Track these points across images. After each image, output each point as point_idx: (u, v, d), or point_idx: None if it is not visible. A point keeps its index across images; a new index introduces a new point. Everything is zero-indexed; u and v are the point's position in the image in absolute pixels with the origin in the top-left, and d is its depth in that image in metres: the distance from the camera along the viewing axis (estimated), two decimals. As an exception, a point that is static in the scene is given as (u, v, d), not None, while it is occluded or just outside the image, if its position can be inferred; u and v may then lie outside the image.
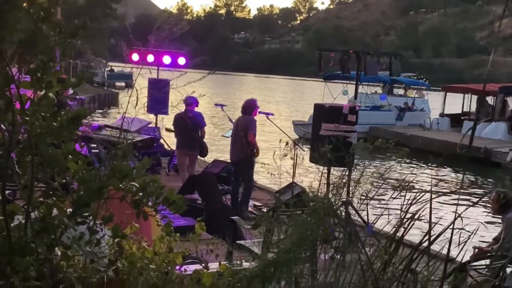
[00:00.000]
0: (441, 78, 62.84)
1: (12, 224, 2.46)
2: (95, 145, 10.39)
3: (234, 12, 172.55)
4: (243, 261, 3.33)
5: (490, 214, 8.57)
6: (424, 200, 3.48)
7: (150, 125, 12.63)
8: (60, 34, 2.44)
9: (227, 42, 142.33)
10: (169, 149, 13.17)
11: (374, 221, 3.83)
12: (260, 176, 11.55)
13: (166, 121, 12.24)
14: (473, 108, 28.51)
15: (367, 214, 3.70)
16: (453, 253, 3.23)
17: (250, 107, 9.86)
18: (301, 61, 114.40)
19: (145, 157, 2.79)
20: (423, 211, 3.42)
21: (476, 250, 6.78)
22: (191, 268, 3.01)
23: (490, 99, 26.42)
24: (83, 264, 2.57)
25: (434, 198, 3.41)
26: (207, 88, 39.05)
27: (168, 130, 11.51)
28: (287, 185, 8.69)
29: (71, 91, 8.24)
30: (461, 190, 10.34)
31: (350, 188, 4.06)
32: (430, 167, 16.10)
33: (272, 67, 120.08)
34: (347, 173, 3.94)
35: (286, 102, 50.48)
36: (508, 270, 5.47)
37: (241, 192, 9.83)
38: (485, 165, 19.44)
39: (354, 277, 3.36)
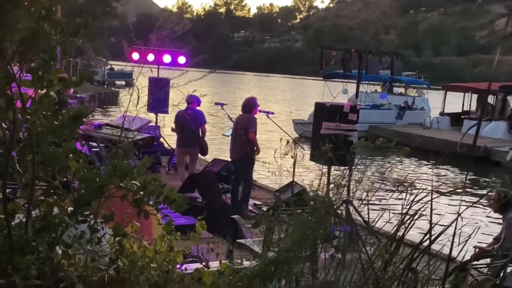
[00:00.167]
0: (441, 77, 62.84)
1: (13, 223, 2.46)
2: (95, 144, 10.40)
3: (234, 11, 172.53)
4: (244, 260, 3.33)
5: (490, 214, 8.57)
6: (425, 199, 3.48)
7: (150, 124, 12.64)
8: (61, 33, 2.44)
9: (227, 41, 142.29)
10: (169, 147, 13.19)
11: (375, 220, 3.82)
12: (260, 175, 11.56)
13: (167, 120, 12.23)
14: (473, 107, 28.52)
15: (368, 213, 3.69)
16: (454, 252, 3.22)
17: (250, 106, 9.85)
18: (300, 60, 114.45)
19: (145, 156, 2.79)
20: (423, 210, 3.41)
21: (477, 249, 6.79)
22: (192, 267, 3.01)
23: (490, 98, 26.41)
24: (84, 263, 2.56)
25: (435, 198, 3.41)
26: (207, 87, 39.08)
27: (173, 130, 11.53)
28: (287, 184, 8.70)
29: (72, 90, 8.24)
30: (464, 190, 10.32)
31: (351, 187, 4.05)
32: (431, 167, 16.11)
33: (272, 66, 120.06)
34: (347, 172, 3.94)
35: (286, 101, 50.46)
36: (509, 269, 5.48)
37: (241, 191, 9.84)
38: (485, 164, 19.43)
39: (354, 276, 3.36)
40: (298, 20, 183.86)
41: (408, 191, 3.64)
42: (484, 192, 14.92)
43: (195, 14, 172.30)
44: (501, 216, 7.32)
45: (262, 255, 3.24)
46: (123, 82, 51.26)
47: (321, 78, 27.50)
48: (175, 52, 13.17)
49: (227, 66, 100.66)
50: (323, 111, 7.18)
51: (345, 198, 3.97)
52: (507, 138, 24.05)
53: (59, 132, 2.46)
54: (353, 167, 3.99)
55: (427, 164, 17.59)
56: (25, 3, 2.35)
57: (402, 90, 35.30)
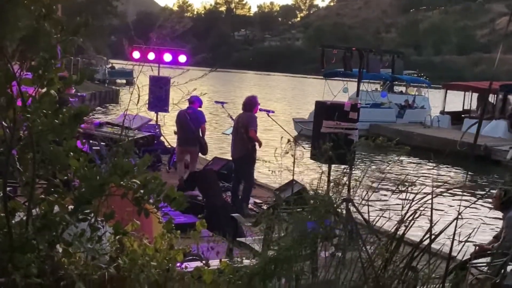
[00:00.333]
0: (442, 75, 62.88)
1: (13, 221, 2.46)
2: (96, 142, 10.42)
3: (234, 10, 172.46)
4: (244, 258, 3.33)
5: (490, 212, 8.57)
6: (425, 198, 3.48)
7: (150, 123, 12.65)
8: (62, 32, 2.44)
9: (227, 39, 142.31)
10: (169, 146, 13.20)
11: (375, 219, 3.82)
12: (261, 174, 11.56)
13: (168, 118, 12.24)
14: (474, 106, 28.51)
15: (368, 212, 3.69)
16: (454, 251, 3.23)
17: (250, 104, 9.85)
18: (301, 58, 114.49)
19: (146, 154, 2.79)
20: (424, 209, 3.41)
21: (477, 248, 6.79)
22: (192, 265, 3.01)
23: (490, 97, 26.41)
24: (84, 261, 2.57)
25: (435, 196, 3.41)
26: (207, 85, 39.06)
27: (176, 133, 11.52)
28: (287, 183, 8.69)
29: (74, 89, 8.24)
30: (464, 188, 10.32)
31: (351, 185, 4.05)
32: (431, 166, 16.11)
33: (272, 64, 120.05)
34: (348, 171, 3.94)
35: (286, 100, 50.45)
36: (509, 268, 5.48)
37: (241, 189, 9.84)
38: (485, 163, 19.44)
39: (354, 275, 3.36)
40: (298, 19, 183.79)
41: (408, 190, 3.64)
42: (484, 191, 14.92)
43: (195, 12, 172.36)
44: (501, 214, 7.32)
45: (262, 253, 3.25)
46: (124, 81, 51.31)
47: (322, 77, 27.49)
48: (176, 50, 13.18)
49: (227, 65, 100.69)
50: (323, 110, 7.18)
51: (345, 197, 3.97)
52: (508, 137, 24.05)
53: (59, 130, 2.46)
54: (353, 166, 3.99)
55: (427, 163, 17.60)
56: (26, 2, 2.35)
57: (402, 88, 35.30)
